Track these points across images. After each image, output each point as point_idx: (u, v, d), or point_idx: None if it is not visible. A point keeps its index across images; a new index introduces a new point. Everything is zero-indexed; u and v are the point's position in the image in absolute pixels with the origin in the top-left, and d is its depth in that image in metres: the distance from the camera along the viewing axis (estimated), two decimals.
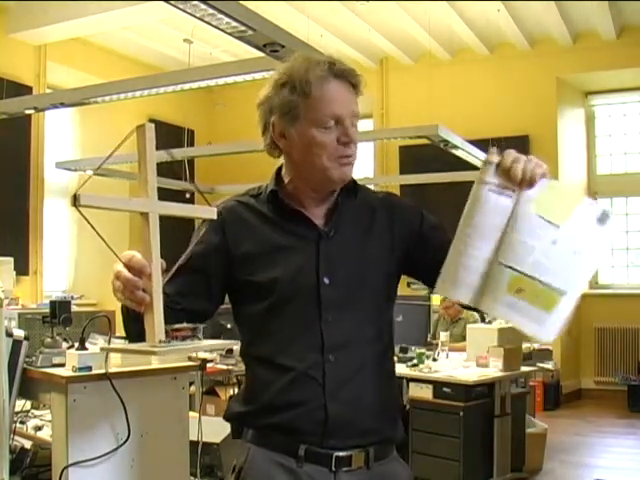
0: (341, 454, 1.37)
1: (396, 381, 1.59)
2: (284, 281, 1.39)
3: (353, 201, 1.49)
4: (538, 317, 1.30)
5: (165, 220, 1.15)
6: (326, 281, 1.40)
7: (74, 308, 2.93)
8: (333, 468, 1.37)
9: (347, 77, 1.40)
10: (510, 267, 1.30)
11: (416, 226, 1.52)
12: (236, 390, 4.72)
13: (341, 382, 1.37)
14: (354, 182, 1.49)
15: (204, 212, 1.24)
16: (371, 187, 8.00)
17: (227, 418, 1.50)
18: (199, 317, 1.31)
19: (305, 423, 1.37)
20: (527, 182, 1.26)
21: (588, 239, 1.30)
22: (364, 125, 8.91)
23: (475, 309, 1.37)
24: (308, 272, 1.40)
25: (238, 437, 1.46)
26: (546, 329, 1.30)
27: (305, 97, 1.37)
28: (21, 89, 6.40)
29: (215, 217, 1.24)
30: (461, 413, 4.18)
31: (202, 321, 1.23)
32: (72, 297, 6.97)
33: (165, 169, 7.33)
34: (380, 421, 1.43)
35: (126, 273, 1.13)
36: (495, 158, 1.30)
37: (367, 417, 1.40)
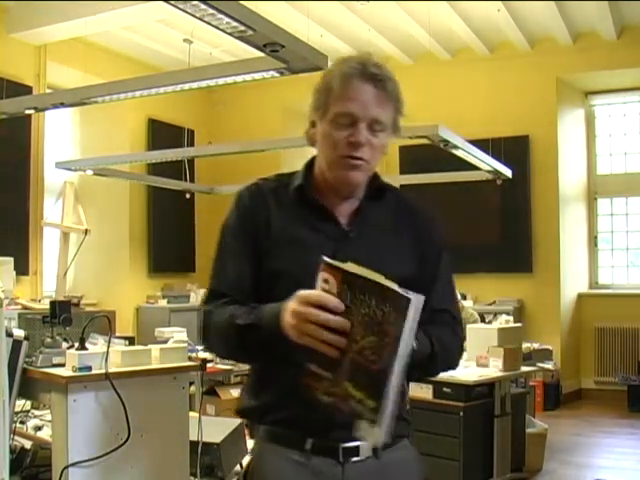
0: (348, 445, 1.34)
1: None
2: (289, 275, 1.34)
3: (380, 204, 1.47)
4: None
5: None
6: None
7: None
8: (341, 459, 1.35)
9: (375, 80, 1.36)
10: None
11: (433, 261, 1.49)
12: (237, 390, 4.72)
13: None
14: (380, 186, 1.48)
15: None
16: None
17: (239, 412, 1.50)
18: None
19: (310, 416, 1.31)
20: None
21: None
22: None
23: None
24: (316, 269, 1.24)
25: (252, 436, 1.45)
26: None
27: (329, 92, 1.38)
28: (21, 89, 6.39)
29: None
30: (461, 413, 4.18)
31: None
32: (75, 298, 6.97)
33: (165, 169, 7.34)
34: None
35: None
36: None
37: None
